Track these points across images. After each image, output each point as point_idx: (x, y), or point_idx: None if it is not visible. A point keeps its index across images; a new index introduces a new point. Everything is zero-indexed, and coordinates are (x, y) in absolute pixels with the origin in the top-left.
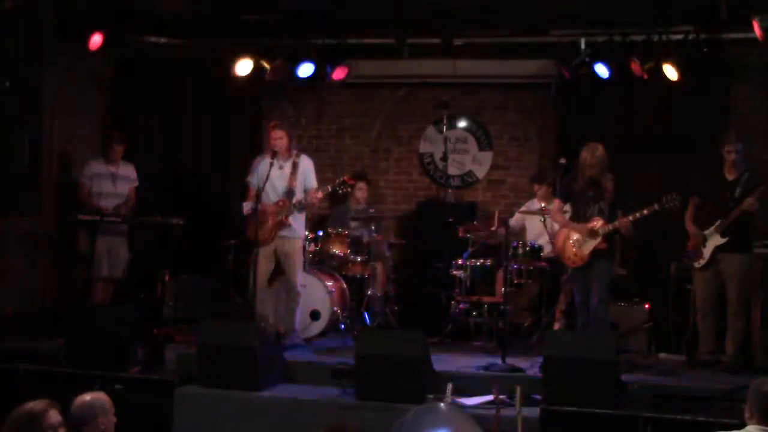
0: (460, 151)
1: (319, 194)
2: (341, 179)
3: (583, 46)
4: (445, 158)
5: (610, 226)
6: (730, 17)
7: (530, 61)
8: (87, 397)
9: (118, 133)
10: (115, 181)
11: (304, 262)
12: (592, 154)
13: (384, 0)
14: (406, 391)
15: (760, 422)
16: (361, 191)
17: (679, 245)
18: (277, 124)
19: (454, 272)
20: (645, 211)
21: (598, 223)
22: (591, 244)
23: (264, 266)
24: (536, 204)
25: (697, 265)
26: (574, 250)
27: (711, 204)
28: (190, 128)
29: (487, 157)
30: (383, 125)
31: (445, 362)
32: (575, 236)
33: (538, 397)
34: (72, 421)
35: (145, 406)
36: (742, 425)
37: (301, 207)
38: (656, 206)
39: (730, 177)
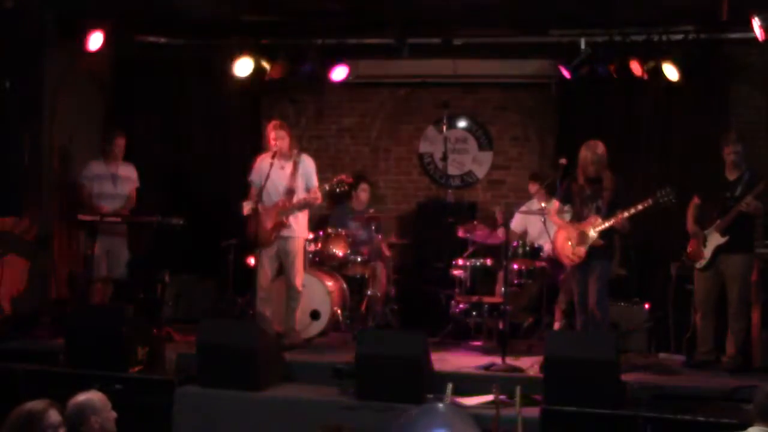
0: (460, 151)
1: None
2: (339, 178)
3: (583, 46)
4: (445, 158)
5: (607, 224)
6: (730, 17)
7: (530, 61)
8: (80, 398)
9: (118, 128)
10: (115, 183)
11: (304, 262)
12: (593, 152)
13: (384, 0)
14: (406, 391)
15: (761, 422)
16: (364, 192)
17: (679, 245)
18: (280, 124)
19: (454, 272)
20: (639, 207)
21: (594, 221)
22: (588, 243)
23: (266, 267)
24: (536, 204)
25: (697, 265)
26: (571, 248)
27: (711, 204)
28: (190, 128)
29: (487, 157)
30: (383, 125)
31: (445, 362)
32: (572, 235)
33: (538, 397)
34: (68, 423)
35: (145, 406)
36: (743, 425)
37: (302, 206)
38: (650, 201)
39: (731, 177)
